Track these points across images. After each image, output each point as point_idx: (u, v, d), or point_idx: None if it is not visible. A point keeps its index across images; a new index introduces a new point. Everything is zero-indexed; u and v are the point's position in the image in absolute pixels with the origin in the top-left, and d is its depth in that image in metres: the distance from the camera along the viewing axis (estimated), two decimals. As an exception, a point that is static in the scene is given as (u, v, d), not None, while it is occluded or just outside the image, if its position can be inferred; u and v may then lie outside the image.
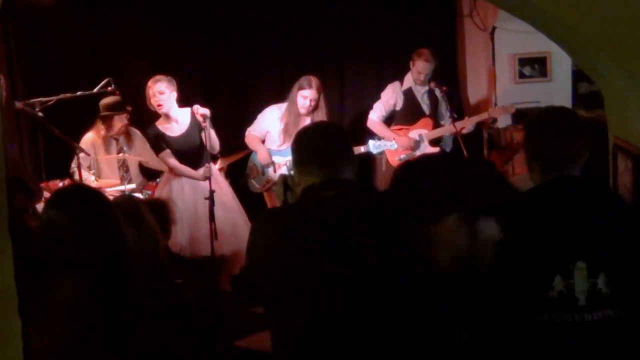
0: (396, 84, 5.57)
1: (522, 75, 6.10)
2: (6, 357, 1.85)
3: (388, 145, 5.20)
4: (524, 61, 6.09)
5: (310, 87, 4.97)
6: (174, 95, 4.77)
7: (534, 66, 6.10)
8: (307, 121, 5.00)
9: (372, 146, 5.12)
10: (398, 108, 5.55)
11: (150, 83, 4.72)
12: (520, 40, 5.82)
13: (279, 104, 5.16)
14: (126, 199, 2.73)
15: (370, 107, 5.63)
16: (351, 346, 1.88)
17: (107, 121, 5.18)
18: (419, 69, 5.40)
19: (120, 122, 5.20)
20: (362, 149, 5.10)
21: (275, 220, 1.99)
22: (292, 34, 6.03)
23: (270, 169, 5.06)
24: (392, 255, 1.92)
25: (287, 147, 5.00)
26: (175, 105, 4.81)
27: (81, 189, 2.06)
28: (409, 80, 5.53)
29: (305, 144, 2.08)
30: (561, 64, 6.00)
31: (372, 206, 2.01)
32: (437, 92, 5.55)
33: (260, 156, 5.06)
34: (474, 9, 6.05)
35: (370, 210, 1.98)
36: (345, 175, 2.01)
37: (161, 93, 4.66)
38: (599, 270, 2.00)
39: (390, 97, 5.53)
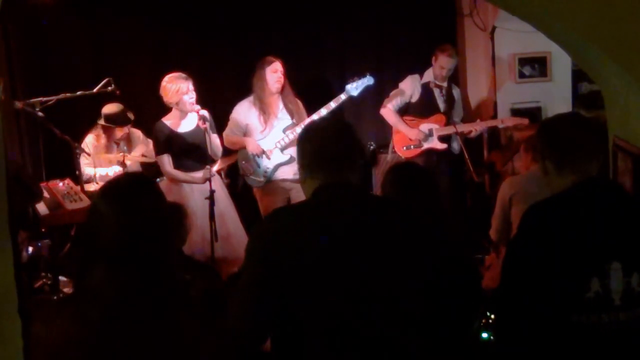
0: (416, 76, 5.54)
1: (522, 75, 6.09)
2: (6, 357, 1.85)
3: (365, 81, 5.01)
4: (524, 61, 6.07)
5: (274, 62, 4.95)
6: None
7: (534, 66, 6.08)
8: (279, 100, 5.02)
9: (351, 89, 4.99)
10: (414, 100, 5.52)
11: (179, 81, 4.53)
12: (520, 40, 5.80)
13: (247, 98, 5.08)
14: None
15: (385, 97, 5.56)
16: (370, 350, 1.87)
17: (109, 130, 5.17)
18: (442, 64, 5.36)
19: (121, 131, 5.20)
20: (342, 96, 4.99)
21: (289, 220, 1.94)
22: (292, 34, 6.03)
23: (264, 158, 5.03)
24: (407, 260, 1.92)
25: (269, 130, 5.01)
26: None
27: (136, 182, 1.94)
28: (428, 75, 5.51)
29: (313, 145, 2.00)
30: (561, 64, 5.99)
31: (385, 211, 2.00)
32: (455, 91, 5.55)
33: (249, 147, 5.00)
34: (474, 9, 6.05)
35: (382, 215, 1.97)
36: (352, 179, 1.98)
37: (194, 90, 4.60)
38: (633, 269, 2.02)
39: (408, 88, 5.49)
